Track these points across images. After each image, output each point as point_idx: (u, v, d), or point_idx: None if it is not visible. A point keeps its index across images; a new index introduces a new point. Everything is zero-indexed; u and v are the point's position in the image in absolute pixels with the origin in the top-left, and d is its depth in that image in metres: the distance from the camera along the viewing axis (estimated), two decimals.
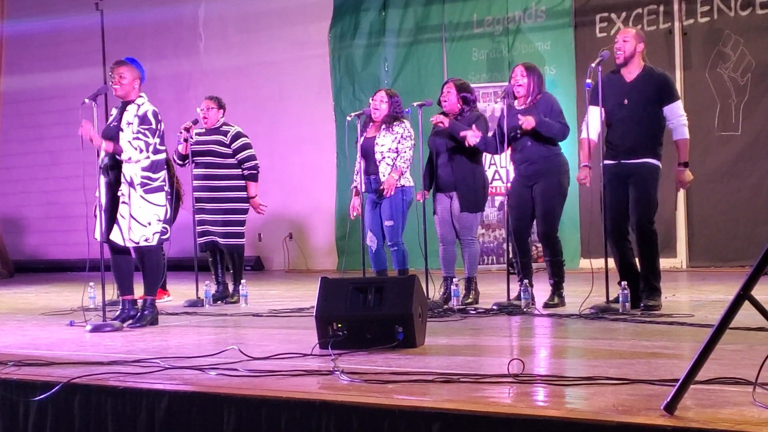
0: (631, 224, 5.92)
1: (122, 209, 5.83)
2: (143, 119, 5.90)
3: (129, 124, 5.89)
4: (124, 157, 5.83)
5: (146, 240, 5.88)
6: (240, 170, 7.58)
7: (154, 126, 5.93)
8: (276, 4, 12.52)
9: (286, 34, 12.34)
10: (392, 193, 6.74)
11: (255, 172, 7.61)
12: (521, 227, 6.40)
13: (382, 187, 6.77)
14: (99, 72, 13.16)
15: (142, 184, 5.86)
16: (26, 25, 13.69)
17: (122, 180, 5.83)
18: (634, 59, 5.94)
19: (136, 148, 5.82)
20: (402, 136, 6.83)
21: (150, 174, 5.90)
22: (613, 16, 10.29)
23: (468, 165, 6.61)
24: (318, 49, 12.11)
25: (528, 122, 6.16)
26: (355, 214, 7.11)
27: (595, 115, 6.01)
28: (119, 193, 5.83)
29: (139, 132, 5.86)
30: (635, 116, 5.88)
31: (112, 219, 5.91)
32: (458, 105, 6.66)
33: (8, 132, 13.84)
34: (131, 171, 5.85)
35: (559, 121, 6.30)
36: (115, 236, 5.84)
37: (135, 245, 5.87)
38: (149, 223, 5.89)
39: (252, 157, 7.60)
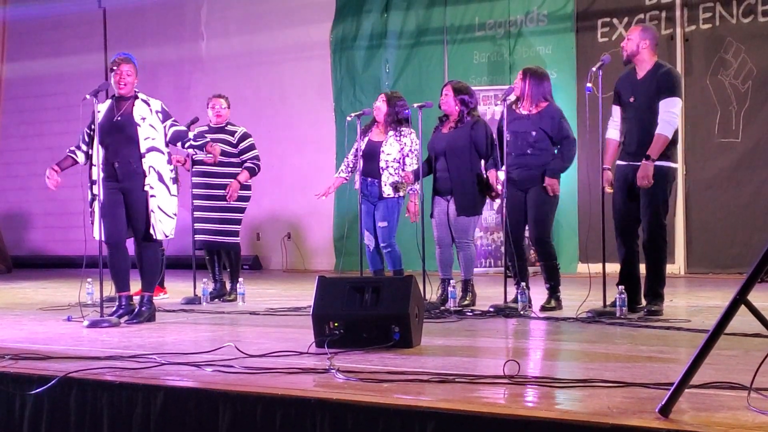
0: (642, 228, 5.89)
1: (152, 204, 5.92)
2: (165, 114, 6.09)
3: (143, 119, 5.96)
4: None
5: (172, 231, 6.08)
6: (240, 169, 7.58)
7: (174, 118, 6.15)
8: (278, 4, 12.54)
9: (287, 35, 12.34)
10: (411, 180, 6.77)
11: (255, 169, 7.60)
12: (516, 231, 6.40)
13: (408, 215, 6.91)
14: (100, 68, 13.16)
15: (169, 177, 6.05)
16: (27, 13, 13.69)
17: (150, 173, 5.92)
18: (641, 56, 5.84)
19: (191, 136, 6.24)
20: (410, 150, 6.86)
21: (170, 167, 6.12)
22: (615, 21, 10.30)
23: (466, 169, 6.61)
24: (319, 50, 12.12)
25: (552, 187, 6.26)
26: (323, 197, 7.23)
27: (619, 115, 5.98)
28: (146, 187, 5.89)
29: (174, 125, 6.08)
30: (640, 114, 5.80)
31: (115, 215, 5.93)
32: (456, 108, 6.67)
33: (8, 128, 13.85)
34: (159, 165, 5.98)
35: (565, 139, 6.30)
36: (152, 230, 5.95)
37: (166, 238, 6.07)
38: (174, 215, 6.09)
39: (257, 158, 7.61)
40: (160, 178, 5.97)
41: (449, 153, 6.61)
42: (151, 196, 5.91)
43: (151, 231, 5.94)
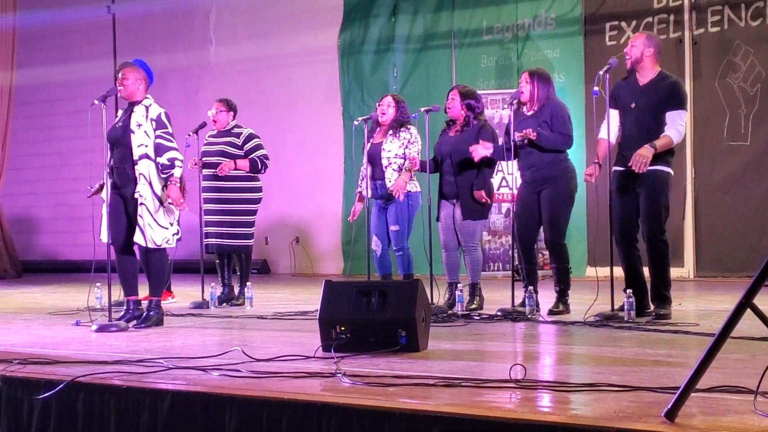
0: (642, 233, 5.89)
1: (141, 210, 5.85)
2: (159, 123, 5.95)
3: (139, 125, 5.92)
4: (177, 166, 5.91)
5: (167, 242, 5.95)
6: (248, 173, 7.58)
7: (170, 129, 5.99)
8: (286, 9, 12.56)
9: (295, 39, 12.37)
10: (402, 194, 6.74)
11: (259, 163, 7.50)
12: (527, 234, 6.38)
13: (390, 190, 6.78)
14: (109, 74, 13.20)
15: (161, 187, 5.91)
16: (37, 20, 13.75)
17: (141, 181, 5.85)
18: (644, 63, 5.87)
19: (173, 155, 5.91)
20: (409, 141, 6.86)
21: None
22: (623, 24, 10.29)
23: (472, 173, 6.61)
24: (327, 54, 12.14)
25: (528, 134, 6.16)
26: (355, 218, 7.13)
27: (614, 118, 6.00)
28: (137, 194, 5.85)
29: (161, 137, 5.90)
30: (642, 121, 5.83)
31: (118, 220, 5.95)
32: (463, 112, 6.67)
33: (18, 133, 13.90)
34: (151, 173, 5.87)
35: (561, 132, 6.27)
36: (138, 238, 5.87)
37: (157, 247, 5.90)
38: (171, 225, 5.96)
39: (266, 156, 7.59)
40: (151, 187, 5.87)
41: (455, 156, 6.61)
42: (140, 204, 5.85)
43: (138, 238, 5.86)
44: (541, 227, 6.41)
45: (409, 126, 6.95)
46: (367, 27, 11.92)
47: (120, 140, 5.93)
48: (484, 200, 6.59)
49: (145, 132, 5.92)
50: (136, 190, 5.86)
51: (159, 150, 5.90)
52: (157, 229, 5.88)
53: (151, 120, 5.95)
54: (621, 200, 5.90)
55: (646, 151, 5.64)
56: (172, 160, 5.89)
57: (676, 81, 5.99)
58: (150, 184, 5.88)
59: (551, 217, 6.30)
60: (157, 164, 5.90)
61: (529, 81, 6.35)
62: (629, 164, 5.69)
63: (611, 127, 6.01)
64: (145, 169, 5.88)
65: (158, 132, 5.93)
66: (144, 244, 5.88)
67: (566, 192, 6.33)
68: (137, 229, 5.86)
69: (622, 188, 5.89)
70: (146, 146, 5.90)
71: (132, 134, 5.91)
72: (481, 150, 6.41)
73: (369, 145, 7.02)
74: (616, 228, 5.92)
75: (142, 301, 6.16)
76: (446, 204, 6.73)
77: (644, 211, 5.82)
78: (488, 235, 10.40)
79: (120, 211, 5.96)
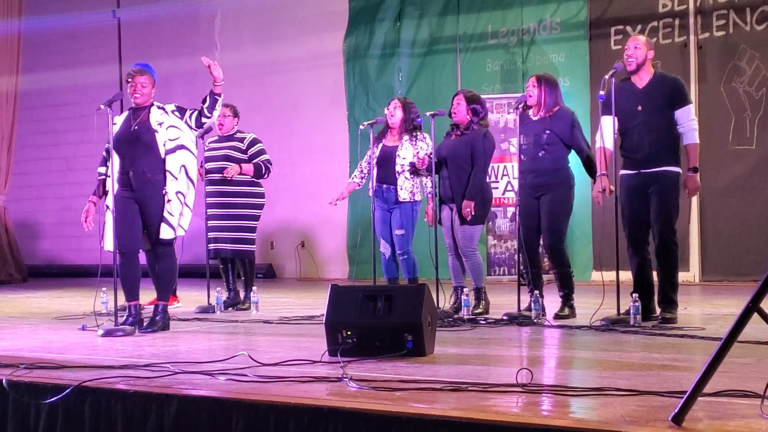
0: (653, 234, 5.91)
1: (169, 207, 5.88)
2: (182, 109, 6.12)
3: (160, 123, 5.98)
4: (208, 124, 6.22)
5: (185, 227, 6.05)
6: (251, 178, 7.60)
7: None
8: (292, 13, 12.58)
9: (301, 43, 12.40)
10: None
11: (263, 168, 7.55)
12: (530, 238, 6.39)
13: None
14: (115, 79, 13.24)
15: (196, 173, 6.08)
16: (43, 25, 13.80)
17: (180, 171, 5.93)
18: (645, 66, 5.94)
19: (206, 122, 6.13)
20: (426, 154, 6.84)
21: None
22: (628, 28, 10.29)
23: (467, 178, 6.59)
24: (332, 59, 12.16)
25: (599, 198, 6.06)
26: (338, 201, 7.23)
27: (608, 125, 6.01)
28: (164, 192, 5.88)
29: (194, 110, 6.09)
30: (651, 122, 5.86)
31: (131, 224, 5.93)
32: (468, 116, 6.68)
33: (24, 138, 13.94)
34: (187, 161, 6.00)
35: (586, 143, 6.30)
36: (166, 233, 5.89)
37: (184, 231, 6.02)
38: (191, 210, 6.08)
39: (269, 161, 7.63)
40: (187, 174, 5.99)
41: (450, 160, 6.63)
42: (168, 201, 5.88)
43: (165, 233, 5.86)
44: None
45: (424, 134, 6.96)
46: (373, 31, 11.93)
47: (137, 142, 5.93)
48: (468, 210, 6.52)
49: (172, 126, 6.00)
50: (165, 189, 5.88)
51: (201, 112, 6.07)
52: (186, 214, 5.99)
53: (173, 112, 6.07)
54: (632, 203, 5.90)
55: (695, 183, 5.83)
56: (201, 114, 6.08)
57: (677, 78, 6.11)
58: (186, 171, 5.97)
59: (550, 223, 6.31)
60: (198, 120, 6.09)
61: (536, 85, 6.37)
62: (687, 197, 5.91)
63: (608, 134, 6.02)
64: (176, 162, 5.93)
65: (188, 112, 6.10)
66: (173, 236, 5.92)
67: (565, 199, 6.36)
68: (163, 225, 5.88)
69: (632, 191, 5.90)
70: (178, 138, 6.00)
71: (156, 134, 5.94)
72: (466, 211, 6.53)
73: (380, 147, 7.02)
74: (628, 230, 5.93)
75: (148, 305, 6.16)
76: (445, 208, 6.74)
77: (656, 212, 5.84)
78: (493, 240, 10.40)
79: (132, 213, 5.94)
